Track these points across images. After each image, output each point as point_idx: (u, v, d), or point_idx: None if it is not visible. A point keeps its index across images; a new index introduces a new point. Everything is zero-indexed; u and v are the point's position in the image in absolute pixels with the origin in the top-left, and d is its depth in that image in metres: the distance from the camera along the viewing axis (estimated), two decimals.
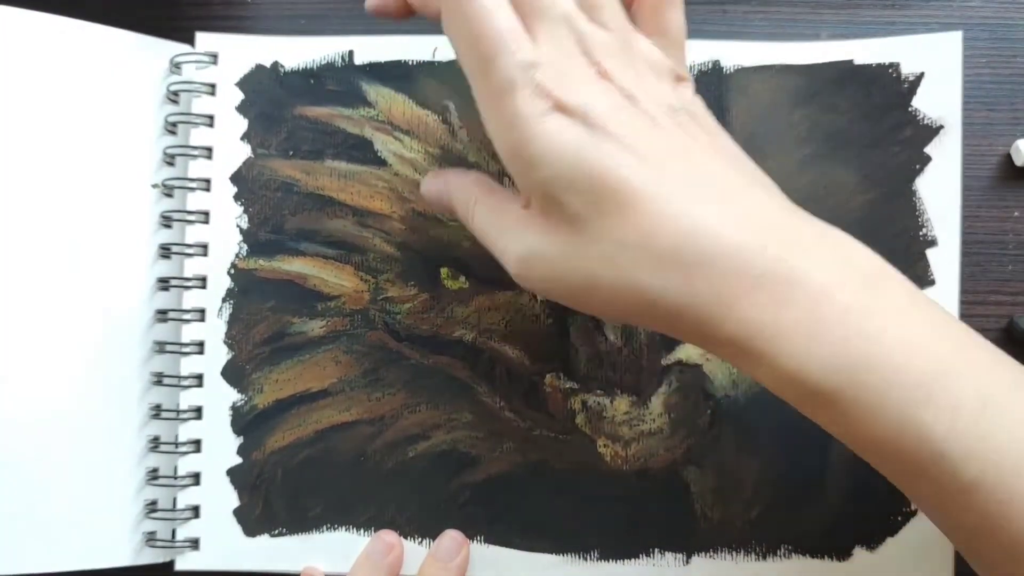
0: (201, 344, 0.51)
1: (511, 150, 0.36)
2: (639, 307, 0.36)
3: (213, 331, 0.51)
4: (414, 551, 0.50)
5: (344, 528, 0.50)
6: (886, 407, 0.33)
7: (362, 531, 0.50)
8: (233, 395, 0.51)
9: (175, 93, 0.51)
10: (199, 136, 0.51)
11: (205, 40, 0.52)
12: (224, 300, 0.51)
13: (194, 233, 0.51)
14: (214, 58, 0.51)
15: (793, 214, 0.37)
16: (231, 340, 0.51)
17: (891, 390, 0.33)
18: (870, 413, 0.34)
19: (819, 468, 0.48)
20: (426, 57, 0.51)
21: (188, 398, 0.51)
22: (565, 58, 0.36)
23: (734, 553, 0.49)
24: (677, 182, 0.35)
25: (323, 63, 0.51)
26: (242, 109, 0.51)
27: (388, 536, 0.50)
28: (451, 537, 0.49)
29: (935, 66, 0.49)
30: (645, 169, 0.34)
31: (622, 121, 0.35)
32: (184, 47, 0.52)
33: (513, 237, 0.38)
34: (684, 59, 0.41)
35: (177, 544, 0.50)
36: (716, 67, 0.50)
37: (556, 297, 0.38)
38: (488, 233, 0.40)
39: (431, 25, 0.52)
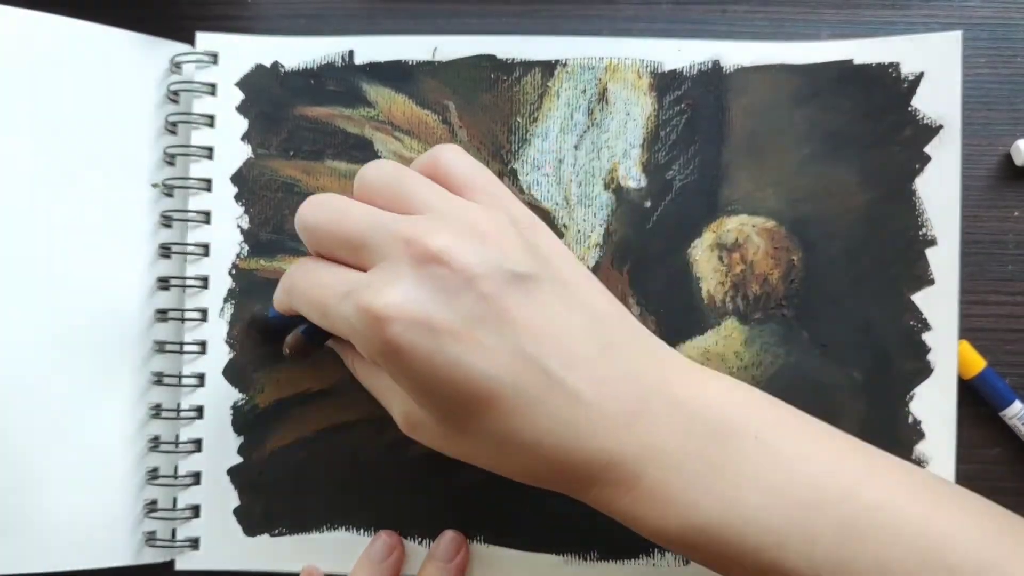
0: (203, 344, 0.51)
1: (381, 362, 0.38)
2: (514, 476, 0.40)
3: (215, 331, 0.51)
4: (414, 551, 0.50)
5: (344, 528, 0.50)
6: (746, 554, 0.37)
7: (362, 531, 0.50)
8: (234, 395, 0.51)
9: (175, 93, 0.51)
10: (200, 136, 0.51)
11: (205, 40, 0.52)
12: (226, 300, 0.51)
13: (195, 233, 0.51)
14: (214, 58, 0.51)
15: (634, 379, 0.39)
16: (233, 340, 0.51)
17: (746, 541, 0.37)
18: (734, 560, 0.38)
19: None
20: (426, 57, 0.51)
21: (189, 398, 0.51)
22: (387, 265, 0.38)
23: None
24: (529, 375, 0.37)
25: (323, 63, 0.51)
26: (242, 109, 0.51)
27: (389, 537, 0.49)
28: (450, 538, 0.49)
29: (935, 66, 0.49)
30: (496, 367, 0.37)
31: (458, 311, 0.37)
32: (184, 47, 0.52)
33: (396, 400, 0.42)
34: (480, 179, 0.42)
35: (177, 544, 0.50)
36: (716, 67, 0.50)
37: (444, 453, 0.42)
38: (372, 390, 0.45)
39: (431, 25, 0.52)
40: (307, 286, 0.41)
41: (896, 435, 0.48)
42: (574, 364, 0.38)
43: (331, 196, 0.42)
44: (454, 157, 0.42)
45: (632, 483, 0.38)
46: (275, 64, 0.51)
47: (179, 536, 0.50)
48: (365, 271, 0.39)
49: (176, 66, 0.51)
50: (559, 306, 0.38)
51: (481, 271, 0.37)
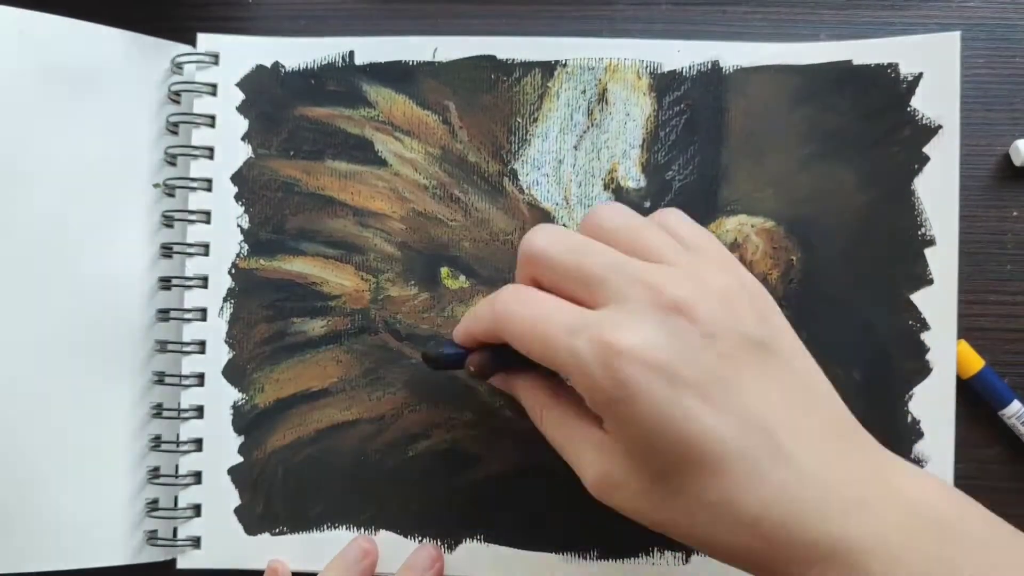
0: (202, 343, 0.51)
1: (603, 404, 0.37)
2: (712, 553, 0.37)
3: (214, 331, 0.51)
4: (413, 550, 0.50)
5: (345, 527, 0.50)
6: None
7: (362, 530, 0.50)
8: (234, 394, 0.51)
9: (177, 93, 0.51)
10: (200, 136, 0.51)
11: (206, 40, 0.52)
12: (225, 300, 0.51)
13: (195, 233, 0.51)
14: (215, 58, 0.52)
15: (855, 463, 0.37)
16: (232, 339, 0.51)
17: None
18: None
19: None
20: (426, 57, 0.51)
21: (189, 397, 0.51)
22: (625, 302, 0.37)
23: None
24: (759, 442, 0.35)
25: (324, 63, 0.51)
26: (243, 109, 0.51)
27: (365, 543, 0.50)
28: (427, 552, 0.50)
29: (933, 66, 0.49)
30: (728, 428, 0.35)
31: (698, 366, 0.35)
32: (186, 47, 0.52)
33: (590, 457, 0.39)
34: (709, 244, 0.41)
35: (178, 543, 0.50)
36: (715, 67, 0.50)
37: (640, 521, 0.39)
38: (561, 444, 0.41)
39: (431, 26, 0.52)
40: (528, 311, 0.39)
41: (895, 434, 0.48)
42: (803, 439, 0.36)
43: (566, 231, 0.41)
44: (680, 218, 0.42)
45: (854, 574, 0.35)
46: (276, 64, 0.52)
47: (180, 535, 0.51)
48: (593, 310, 0.38)
49: (177, 67, 0.51)
50: (788, 379, 0.37)
51: (721, 330, 0.36)
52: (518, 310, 0.39)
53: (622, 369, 0.35)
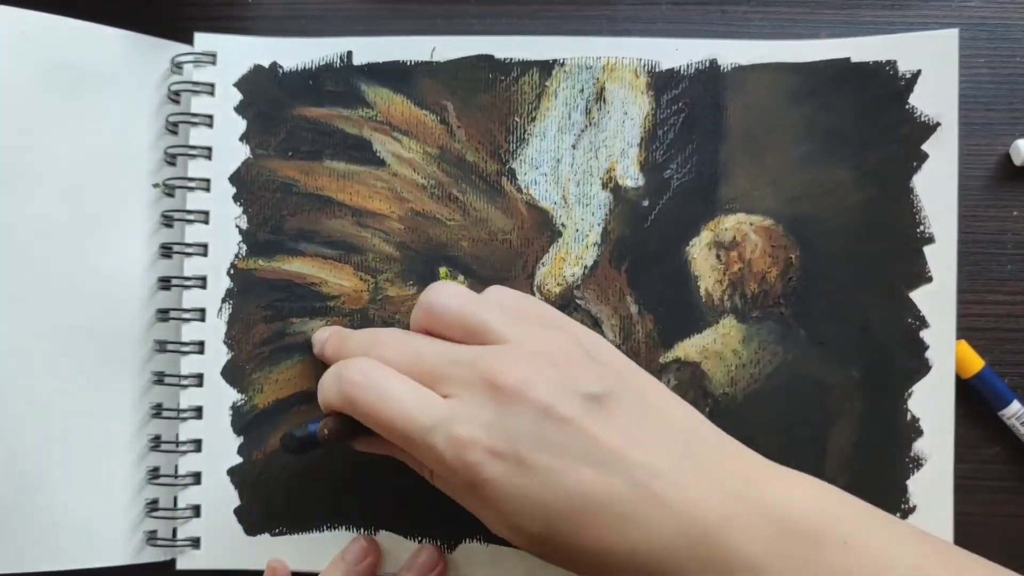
0: (201, 344, 0.51)
1: (463, 490, 0.40)
2: None
3: (213, 331, 0.51)
4: (414, 550, 0.50)
5: (345, 527, 0.50)
6: None
7: (362, 530, 0.50)
8: (233, 395, 0.51)
9: (176, 93, 0.51)
10: (199, 136, 0.51)
11: (203, 40, 0.52)
12: (224, 300, 0.51)
13: (194, 233, 0.51)
14: (212, 58, 0.52)
15: (720, 481, 0.39)
16: (231, 340, 0.51)
17: None
18: None
19: (817, 466, 0.48)
20: (424, 57, 0.51)
21: (189, 398, 0.51)
22: (467, 394, 0.40)
23: None
24: (618, 488, 0.38)
25: (322, 64, 0.51)
26: (240, 109, 0.51)
27: (366, 542, 0.50)
28: (428, 553, 0.50)
29: (932, 63, 0.49)
30: (584, 485, 0.38)
31: (542, 441, 0.38)
32: (185, 47, 0.52)
33: (481, 516, 0.41)
34: (535, 310, 0.44)
35: (178, 543, 0.50)
36: (713, 65, 0.50)
37: None
38: (456, 501, 0.43)
39: (430, 25, 0.52)
40: (384, 407, 0.41)
41: (894, 433, 0.48)
42: (658, 473, 0.38)
43: (399, 334, 0.44)
44: (502, 292, 0.44)
45: None
46: (273, 65, 0.52)
47: (180, 535, 0.50)
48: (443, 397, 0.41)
49: (177, 66, 0.52)
50: (635, 418, 0.40)
51: (558, 399, 0.38)
52: (372, 400, 0.41)
53: (472, 461, 0.38)
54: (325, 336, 0.48)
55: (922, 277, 0.48)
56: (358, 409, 0.41)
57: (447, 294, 0.43)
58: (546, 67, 0.51)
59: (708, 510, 0.38)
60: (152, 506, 0.50)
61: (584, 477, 0.38)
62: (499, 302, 0.43)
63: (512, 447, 0.38)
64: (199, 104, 0.51)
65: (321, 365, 0.50)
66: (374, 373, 0.41)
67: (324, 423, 0.44)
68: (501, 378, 0.39)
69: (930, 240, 0.49)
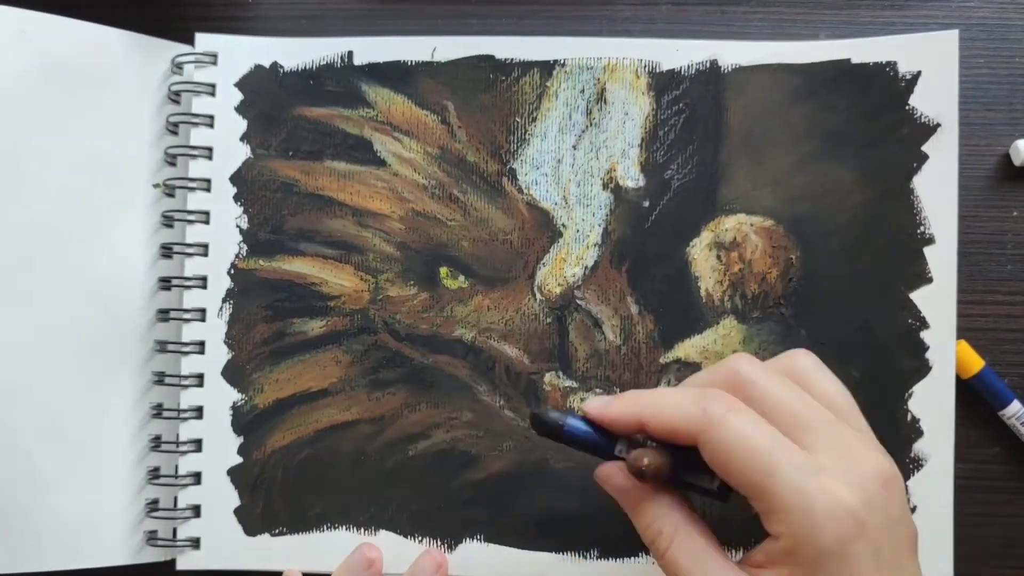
0: (202, 344, 0.51)
1: (808, 554, 0.36)
2: None
3: (213, 331, 0.51)
4: (414, 550, 0.50)
5: (344, 527, 0.50)
6: None
7: (362, 530, 0.50)
8: (233, 395, 0.51)
9: (177, 93, 0.51)
10: (199, 136, 0.51)
11: (204, 40, 0.52)
12: (224, 300, 0.51)
13: (195, 233, 0.51)
14: (213, 58, 0.52)
15: None
16: (231, 340, 0.51)
17: None
18: None
19: None
20: (425, 57, 0.51)
21: (189, 398, 0.51)
22: (840, 457, 0.37)
23: (733, 552, 0.49)
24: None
25: (322, 64, 0.51)
26: (241, 109, 0.51)
27: (370, 551, 0.49)
28: (431, 558, 0.49)
29: (932, 64, 0.49)
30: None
31: (892, 540, 0.36)
32: (186, 47, 0.52)
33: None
34: (850, 408, 0.41)
35: (178, 543, 0.50)
36: (714, 66, 0.50)
37: None
38: (685, 573, 0.39)
39: (430, 26, 0.52)
40: (758, 435, 0.37)
41: (895, 433, 0.48)
42: None
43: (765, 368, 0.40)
44: (822, 375, 0.41)
45: None
46: (274, 65, 0.52)
47: (180, 535, 0.51)
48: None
49: (177, 67, 0.51)
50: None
51: (903, 511, 0.37)
52: (747, 429, 0.37)
53: (845, 528, 0.35)
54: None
55: (922, 278, 0.48)
56: (721, 434, 0.37)
57: (754, 369, 0.40)
58: (547, 67, 0.51)
59: None
60: (152, 506, 0.50)
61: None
62: (810, 387, 0.40)
63: (879, 532, 0.36)
64: (200, 104, 0.51)
65: (321, 364, 0.50)
66: (748, 410, 0.38)
67: (643, 457, 0.39)
68: (877, 457, 0.37)
69: (930, 241, 0.49)
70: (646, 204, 0.50)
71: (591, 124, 0.50)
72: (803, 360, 0.41)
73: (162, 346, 0.51)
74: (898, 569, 0.36)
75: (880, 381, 0.48)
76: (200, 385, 0.51)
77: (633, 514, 0.41)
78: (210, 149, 0.51)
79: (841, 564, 0.35)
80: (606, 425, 0.41)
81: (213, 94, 0.51)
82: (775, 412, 0.38)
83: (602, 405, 0.41)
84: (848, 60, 0.50)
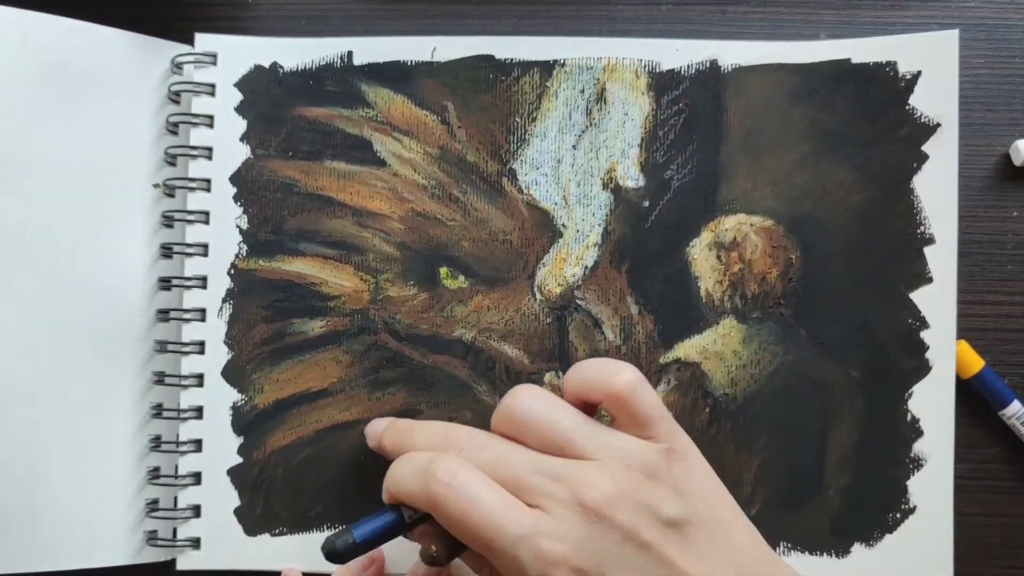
0: (201, 344, 0.51)
1: None
2: None
3: (213, 331, 0.51)
4: (414, 550, 0.50)
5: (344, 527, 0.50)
6: None
7: None
8: (233, 395, 0.51)
9: (177, 93, 0.51)
10: (199, 136, 0.51)
11: (204, 40, 0.52)
12: (224, 300, 0.51)
13: (194, 233, 0.51)
14: (213, 58, 0.52)
15: None
16: (231, 340, 0.51)
17: None
18: None
19: (818, 466, 0.49)
20: (425, 57, 0.51)
21: (189, 398, 0.51)
22: (556, 508, 0.39)
23: None
24: None
25: (322, 64, 0.51)
26: (241, 110, 0.51)
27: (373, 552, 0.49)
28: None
29: (932, 64, 0.49)
30: None
31: (625, 565, 0.39)
32: (185, 47, 0.52)
33: None
34: (663, 423, 0.42)
35: (178, 543, 0.50)
36: (714, 66, 0.50)
37: None
38: None
39: (430, 26, 0.52)
40: (472, 510, 0.39)
41: (895, 433, 0.48)
42: None
43: (475, 433, 0.43)
44: (642, 390, 0.42)
45: None
46: (274, 65, 0.52)
47: (180, 535, 0.50)
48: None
49: (177, 67, 0.51)
50: (709, 547, 0.40)
51: (641, 522, 0.39)
52: (462, 504, 0.39)
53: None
54: (381, 427, 0.47)
55: (922, 278, 0.49)
56: (443, 511, 0.40)
57: (530, 398, 0.42)
58: (547, 67, 0.51)
59: None
60: (152, 506, 0.50)
61: None
62: (615, 397, 0.42)
63: (597, 569, 0.38)
64: (200, 104, 0.51)
65: (321, 364, 0.50)
66: (465, 475, 0.40)
67: (430, 546, 0.43)
68: (588, 497, 0.39)
69: (930, 241, 0.49)
70: (646, 204, 0.50)
71: (591, 124, 0.50)
72: (620, 378, 0.43)
73: (162, 346, 0.51)
74: (650, 568, 0.39)
75: (880, 381, 0.49)
76: (200, 385, 0.51)
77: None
78: (210, 149, 0.51)
79: None
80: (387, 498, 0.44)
81: (213, 94, 0.51)
82: (504, 483, 0.40)
83: (385, 491, 0.44)
84: (848, 60, 0.50)
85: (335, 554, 0.43)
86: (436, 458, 0.41)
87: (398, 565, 0.49)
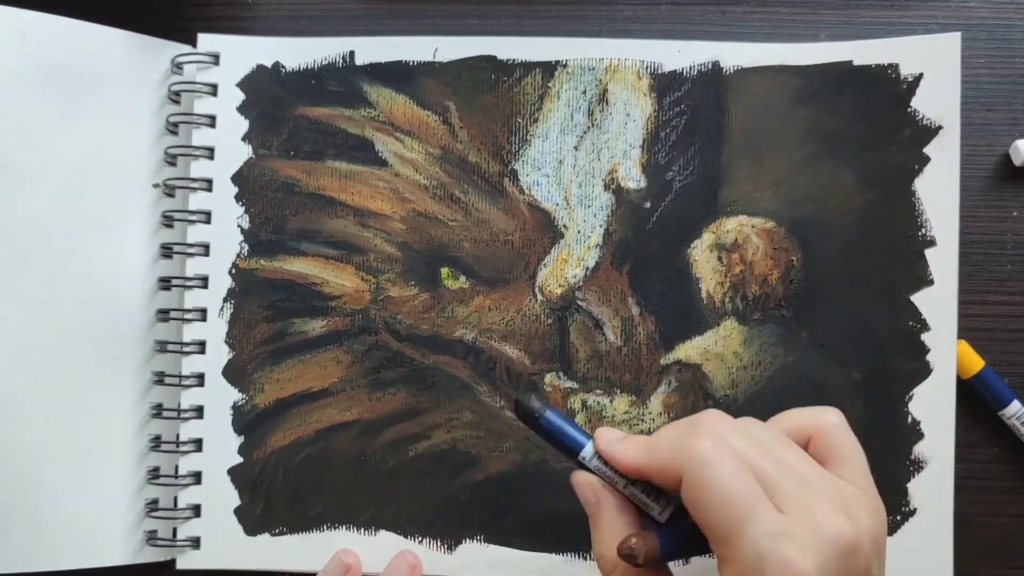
0: (202, 344, 0.51)
1: None
2: None
3: (214, 331, 0.51)
4: (415, 550, 0.50)
5: (344, 527, 0.50)
6: None
7: (362, 530, 0.50)
8: (234, 394, 0.51)
9: (177, 93, 0.51)
10: (200, 136, 0.51)
11: (207, 41, 0.52)
12: (225, 300, 0.51)
13: (195, 233, 0.51)
14: (215, 59, 0.51)
15: None
16: (232, 340, 0.51)
17: None
18: None
19: None
20: (427, 58, 0.51)
21: (189, 397, 0.51)
22: (806, 522, 0.36)
23: None
24: None
25: (324, 64, 0.51)
26: (243, 109, 0.51)
27: (348, 557, 0.49)
28: (405, 560, 0.49)
29: (934, 67, 0.49)
30: None
31: None
32: (186, 47, 0.52)
33: None
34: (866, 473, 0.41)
35: (178, 543, 0.50)
36: (716, 68, 0.50)
37: None
38: None
39: (432, 26, 0.52)
40: (736, 484, 0.37)
41: (895, 435, 0.48)
42: None
43: (739, 424, 0.40)
44: (841, 426, 0.41)
45: None
46: (276, 65, 0.52)
47: (180, 535, 0.50)
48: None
49: (177, 67, 0.51)
50: None
51: (870, 565, 0.37)
52: (728, 477, 0.37)
53: None
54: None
55: (923, 280, 0.49)
56: (697, 472, 0.38)
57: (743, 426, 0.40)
58: (549, 68, 0.51)
59: None
60: (152, 506, 0.50)
61: None
62: (818, 432, 0.41)
63: None
64: (201, 104, 0.51)
65: (322, 363, 0.50)
66: (729, 442, 0.38)
67: (640, 541, 0.40)
68: (839, 523, 0.36)
69: (931, 243, 0.49)
70: (647, 205, 0.50)
71: (593, 125, 0.50)
72: (830, 416, 0.42)
73: (162, 346, 0.51)
74: None
75: (881, 383, 0.49)
76: (201, 385, 0.51)
77: (592, 525, 0.43)
78: (211, 149, 0.51)
79: None
80: (612, 464, 0.42)
81: (215, 94, 0.51)
82: (752, 467, 0.38)
83: (613, 441, 0.42)
84: (850, 62, 0.50)
85: (521, 406, 0.43)
86: (699, 418, 0.40)
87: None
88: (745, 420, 0.41)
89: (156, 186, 0.51)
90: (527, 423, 0.43)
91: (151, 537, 0.50)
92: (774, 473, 0.38)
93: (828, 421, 0.41)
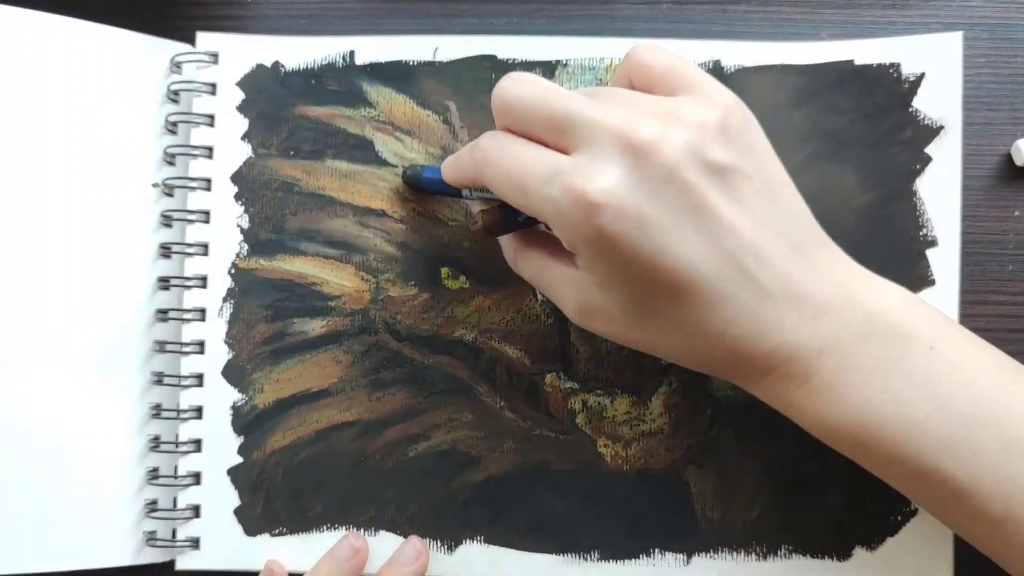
0: (201, 344, 0.51)
1: (579, 245, 0.38)
2: (682, 364, 0.42)
3: (214, 331, 0.51)
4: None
5: (344, 528, 0.50)
6: (908, 457, 0.39)
7: (362, 531, 0.50)
8: (234, 395, 0.51)
9: (175, 93, 0.51)
10: (200, 136, 0.51)
11: (206, 40, 0.52)
12: (225, 300, 0.51)
13: (194, 233, 0.51)
14: (215, 58, 0.51)
15: (819, 277, 0.40)
16: (232, 340, 0.51)
17: (910, 444, 0.39)
18: (894, 460, 0.40)
19: (819, 468, 0.48)
20: (427, 57, 0.51)
21: (188, 398, 0.51)
22: (595, 152, 0.37)
23: (735, 553, 0.49)
24: (725, 269, 0.38)
25: (324, 63, 0.51)
26: (243, 109, 0.51)
27: (356, 540, 0.50)
28: (412, 546, 0.50)
29: (936, 66, 0.49)
30: (695, 259, 0.37)
31: (664, 204, 0.37)
32: (185, 47, 0.52)
33: (569, 289, 0.42)
34: (688, 75, 0.41)
35: (178, 544, 0.50)
36: (717, 67, 0.50)
37: (616, 342, 0.43)
38: (537, 278, 0.44)
39: (432, 25, 0.52)
40: (505, 161, 0.39)
41: None
42: (767, 262, 0.38)
43: (533, 76, 0.40)
44: (652, 54, 0.41)
45: (808, 376, 0.39)
46: (276, 64, 0.51)
47: (179, 536, 0.50)
48: (566, 154, 0.38)
49: (176, 66, 0.51)
50: (756, 202, 0.39)
51: (685, 162, 0.37)
52: (495, 155, 0.40)
53: (596, 216, 0.36)
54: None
55: (925, 280, 0.48)
56: (483, 170, 0.40)
57: (517, 80, 0.40)
58: (549, 68, 0.51)
59: (805, 302, 0.39)
60: (152, 506, 0.50)
61: (700, 252, 0.37)
62: (633, 70, 0.42)
63: (636, 206, 0.36)
64: (200, 104, 0.51)
65: (321, 364, 0.50)
66: (503, 138, 0.40)
67: (478, 214, 0.44)
68: (631, 132, 0.36)
69: (933, 243, 0.49)
70: None
71: None
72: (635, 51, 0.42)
73: (161, 346, 0.50)
74: (690, 213, 0.37)
75: None
76: (200, 385, 0.51)
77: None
78: (210, 148, 0.51)
79: (603, 244, 0.37)
80: (448, 183, 0.46)
81: (214, 93, 0.51)
82: (534, 125, 0.39)
83: (445, 165, 0.46)
84: (851, 61, 0.50)
85: (406, 175, 0.50)
86: (482, 138, 0.41)
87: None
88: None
89: (155, 185, 0.51)
90: (411, 184, 0.50)
91: (150, 538, 0.50)
92: (553, 116, 0.38)
93: (632, 55, 0.42)
